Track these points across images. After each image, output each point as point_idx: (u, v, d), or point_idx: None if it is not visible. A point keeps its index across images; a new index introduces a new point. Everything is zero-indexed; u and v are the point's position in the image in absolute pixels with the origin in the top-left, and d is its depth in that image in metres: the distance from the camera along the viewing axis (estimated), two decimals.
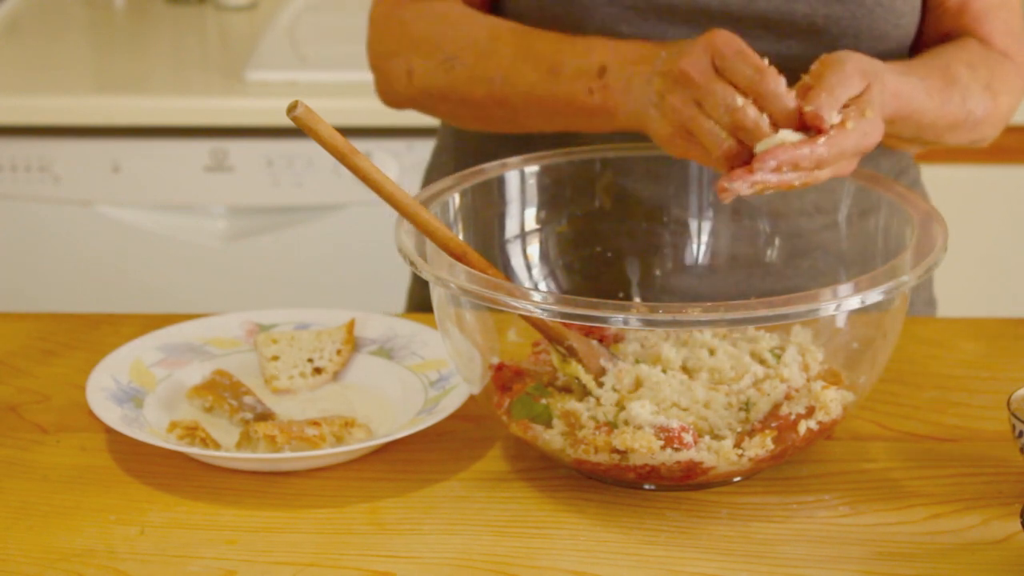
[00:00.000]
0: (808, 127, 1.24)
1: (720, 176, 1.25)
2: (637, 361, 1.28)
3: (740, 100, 1.23)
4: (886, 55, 1.44)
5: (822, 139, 1.23)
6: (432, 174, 1.72)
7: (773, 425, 1.21)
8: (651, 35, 1.45)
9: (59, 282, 2.51)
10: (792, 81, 1.34)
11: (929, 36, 1.53)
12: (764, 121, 1.23)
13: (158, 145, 2.43)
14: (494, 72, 1.44)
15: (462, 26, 1.47)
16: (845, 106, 1.26)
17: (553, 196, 1.44)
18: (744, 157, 1.25)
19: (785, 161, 1.23)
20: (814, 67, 1.28)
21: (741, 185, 1.23)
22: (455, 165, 1.65)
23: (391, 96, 1.55)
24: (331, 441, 1.28)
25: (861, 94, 1.27)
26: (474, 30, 1.47)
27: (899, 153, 1.59)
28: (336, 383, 1.40)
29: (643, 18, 1.46)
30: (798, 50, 1.46)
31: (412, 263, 1.22)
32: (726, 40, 1.26)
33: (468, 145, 1.62)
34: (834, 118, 1.24)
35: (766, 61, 1.25)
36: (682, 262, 1.47)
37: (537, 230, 1.44)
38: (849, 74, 1.27)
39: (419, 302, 1.70)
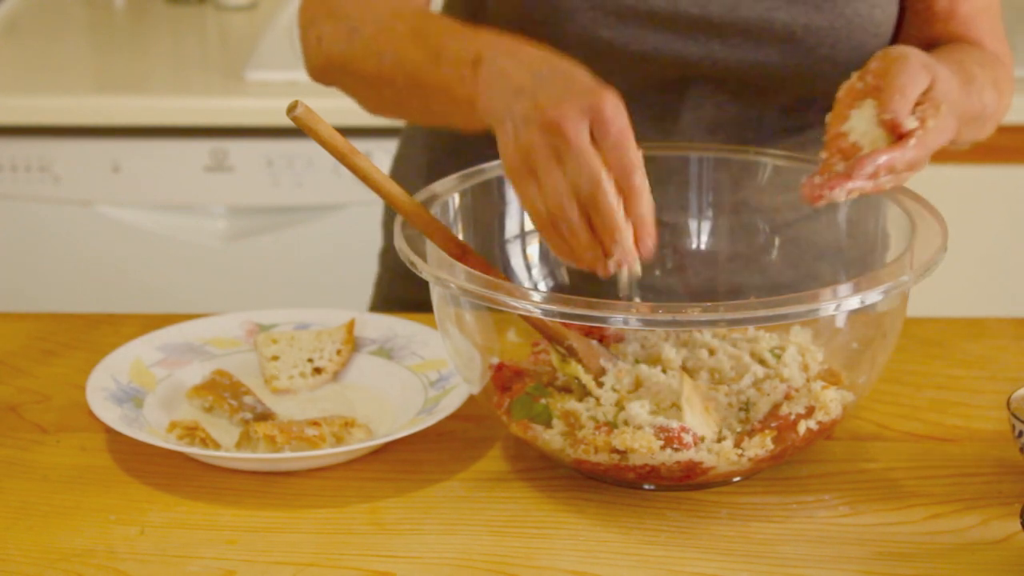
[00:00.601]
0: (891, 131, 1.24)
1: (813, 181, 1.22)
2: (637, 361, 1.28)
3: (606, 183, 1.15)
4: (861, 64, 1.45)
5: (912, 141, 1.23)
6: (399, 164, 1.72)
7: (773, 425, 1.21)
8: (631, 40, 1.46)
9: (59, 282, 2.51)
10: (770, 89, 1.33)
11: (912, 42, 1.53)
12: (619, 211, 1.16)
13: (158, 145, 2.44)
14: (387, 47, 1.40)
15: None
16: (918, 103, 1.25)
17: None
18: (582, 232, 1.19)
19: (882, 167, 1.22)
20: (875, 64, 1.27)
21: (840, 192, 1.22)
22: (426, 156, 1.65)
23: (309, 66, 1.53)
24: (331, 441, 1.28)
25: (928, 89, 1.26)
26: (380, 4, 1.44)
27: None
28: (336, 383, 1.40)
29: (624, 23, 1.46)
30: (776, 58, 1.46)
31: (412, 263, 1.22)
32: (613, 112, 1.16)
33: (439, 137, 1.62)
34: (911, 122, 1.23)
35: (641, 155, 1.18)
36: (682, 262, 1.47)
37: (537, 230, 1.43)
38: (916, 70, 1.26)
39: (386, 294, 1.70)
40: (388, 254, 1.74)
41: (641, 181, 1.16)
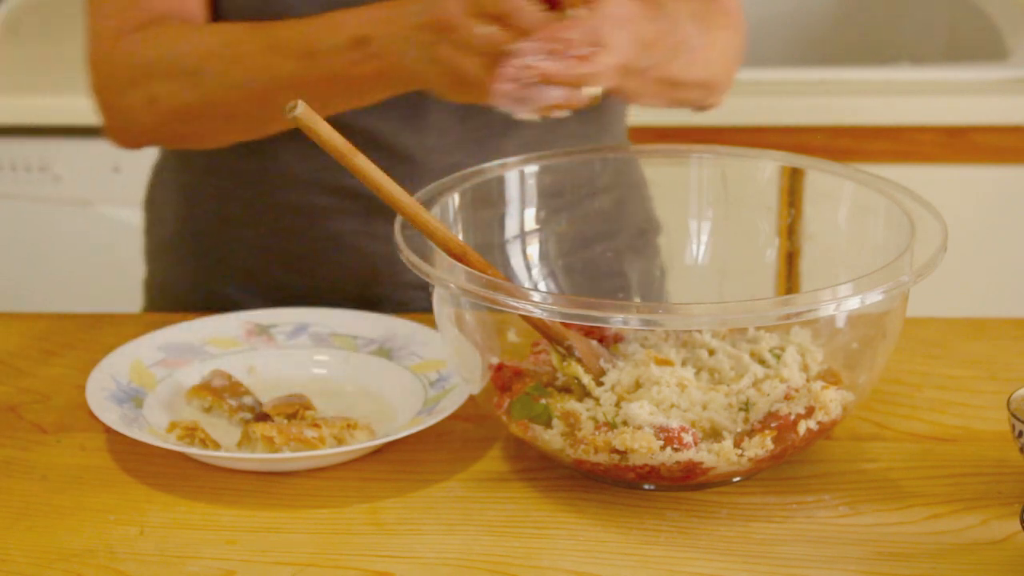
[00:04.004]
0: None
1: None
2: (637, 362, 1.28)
3: (495, 28, 1.24)
4: None
5: (580, 11, 1.23)
6: (155, 192, 1.70)
7: (773, 425, 1.21)
8: None
9: (59, 282, 2.51)
10: None
11: None
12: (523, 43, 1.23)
13: None
14: (246, 74, 1.41)
15: (196, 39, 1.45)
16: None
17: (553, 196, 1.44)
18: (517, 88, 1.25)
19: (544, 37, 1.22)
20: None
21: (508, 83, 1.22)
22: (178, 181, 1.64)
23: (129, 132, 1.51)
24: (331, 443, 1.28)
25: None
26: (209, 39, 1.44)
27: (608, 123, 1.58)
28: (335, 383, 1.40)
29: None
30: None
31: (412, 263, 1.22)
32: None
33: (193, 159, 1.61)
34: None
35: None
36: (682, 262, 1.47)
37: (537, 230, 1.44)
38: None
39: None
40: (152, 284, 1.73)
41: (512, 2, 1.24)
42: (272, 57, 1.39)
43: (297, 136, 1.45)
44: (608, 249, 1.51)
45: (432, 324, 1.33)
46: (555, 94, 1.23)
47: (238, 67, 1.41)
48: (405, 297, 1.54)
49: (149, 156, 2.42)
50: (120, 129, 1.51)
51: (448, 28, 1.26)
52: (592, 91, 1.24)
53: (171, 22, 1.48)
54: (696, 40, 1.39)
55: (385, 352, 1.42)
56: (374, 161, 1.22)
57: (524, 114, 1.25)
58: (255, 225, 1.58)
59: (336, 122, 1.38)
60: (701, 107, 1.47)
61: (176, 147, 1.57)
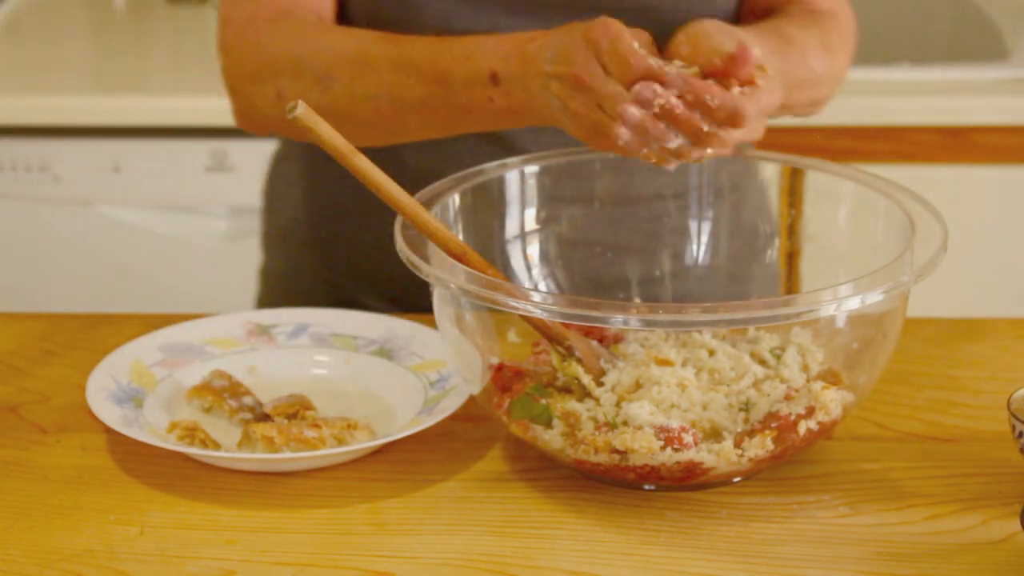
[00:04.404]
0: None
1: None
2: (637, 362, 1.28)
3: (622, 96, 1.23)
4: None
5: (736, 88, 1.23)
6: (274, 180, 1.70)
7: (773, 425, 1.21)
8: (486, 27, 1.44)
9: (59, 282, 2.51)
10: None
11: (754, 6, 1.53)
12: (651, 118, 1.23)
13: (158, 145, 2.43)
14: (375, 88, 1.40)
15: (326, 41, 1.43)
16: (743, 80, 1.25)
17: (553, 196, 1.44)
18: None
19: (689, 89, 1.22)
20: (681, 41, 1.28)
21: (638, 109, 1.22)
22: (303, 172, 1.64)
23: (257, 121, 1.50)
24: (331, 443, 1.28)
25: (743, 55, 1.25)
26: (339, 44, 1.42)
27: None
28: (335, 383, 1.40)
29: (474, 10, 1.45)
30: None
31: (412, 263, 1.22)
32: (601, 32, 1.25)
33: (314, 149, 1.60)
34: (730, 44, 1.24)
35: (636, 45, 1.25)
36: (682, 262, 1.47)
37: (537, 230, 1.44)
38: (719, 28, 1.26)
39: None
40: (268, 272, 1.73)
41: (641, 68, 1.23)
42: (403, 77, 1.38)
43: None
44: (608, 249, 1.50)
45: (432, 324, 1.33)
46: (674, 141, 1.24)
47: (368, 80, 1.40)
48: None
49: (149, 157, 2.43)
50: (247, 116, 1.51)
51: (581, 86, 1.26)
52: (709, 152, 1.25)
53: (302, 15, 1.47)
54: (821, 69, 1.41)
55: (385, 352, 1.42)
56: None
57: (640, 154, 1.26)
58: (368, 215, 1.58)
59: None
60: (802, 115, 1.48)
61: (302, 140, 1.56)
